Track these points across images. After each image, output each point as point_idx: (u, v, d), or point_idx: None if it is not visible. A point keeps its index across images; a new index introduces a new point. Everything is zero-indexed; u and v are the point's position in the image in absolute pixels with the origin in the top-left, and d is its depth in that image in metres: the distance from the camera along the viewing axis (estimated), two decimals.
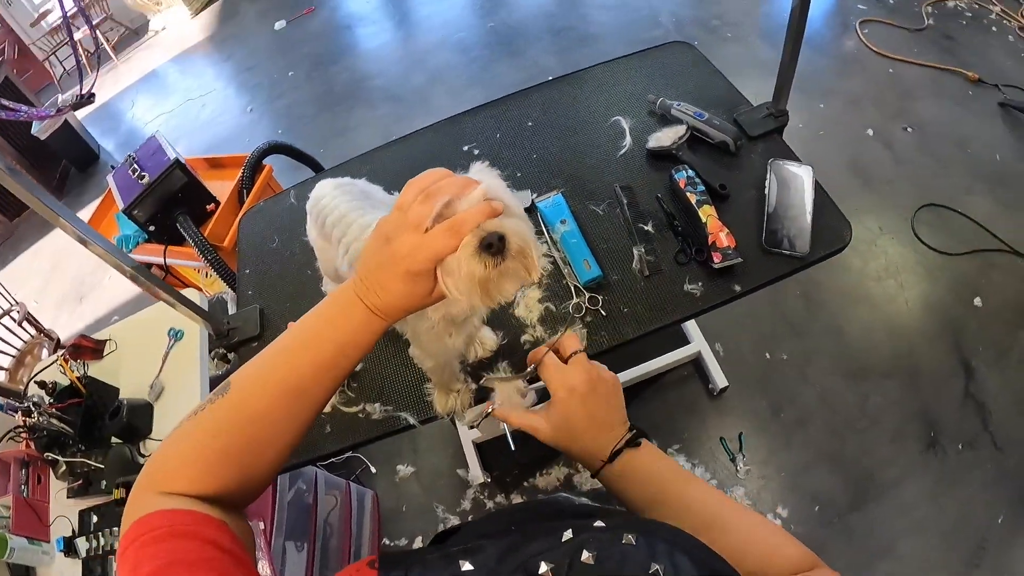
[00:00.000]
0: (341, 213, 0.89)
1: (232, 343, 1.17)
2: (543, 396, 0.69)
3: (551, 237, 1.17)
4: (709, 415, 2.20)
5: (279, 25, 5.12)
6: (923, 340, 2.24)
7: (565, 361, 0.67)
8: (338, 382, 0.60)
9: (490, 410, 0.71)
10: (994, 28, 3.34)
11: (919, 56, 3.22)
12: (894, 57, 3.24)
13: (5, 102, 0.66)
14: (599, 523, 0.47)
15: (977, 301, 2.30)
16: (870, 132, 2.91)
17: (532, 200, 1.24)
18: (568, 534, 0.46)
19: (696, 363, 2.28)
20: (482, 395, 1.00)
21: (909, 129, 2.89)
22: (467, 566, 0.45)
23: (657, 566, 0.41)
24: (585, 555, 0.42)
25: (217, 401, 0.56)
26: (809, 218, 1.08)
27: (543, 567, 0.43)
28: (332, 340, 0.58)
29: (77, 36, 5.35)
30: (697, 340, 2.20)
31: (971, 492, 1.92)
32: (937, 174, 2.70)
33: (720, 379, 2.18)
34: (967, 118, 2.90)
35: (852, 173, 2.76)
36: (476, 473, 2.15)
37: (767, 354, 2.29)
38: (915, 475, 1.97)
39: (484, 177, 0.60)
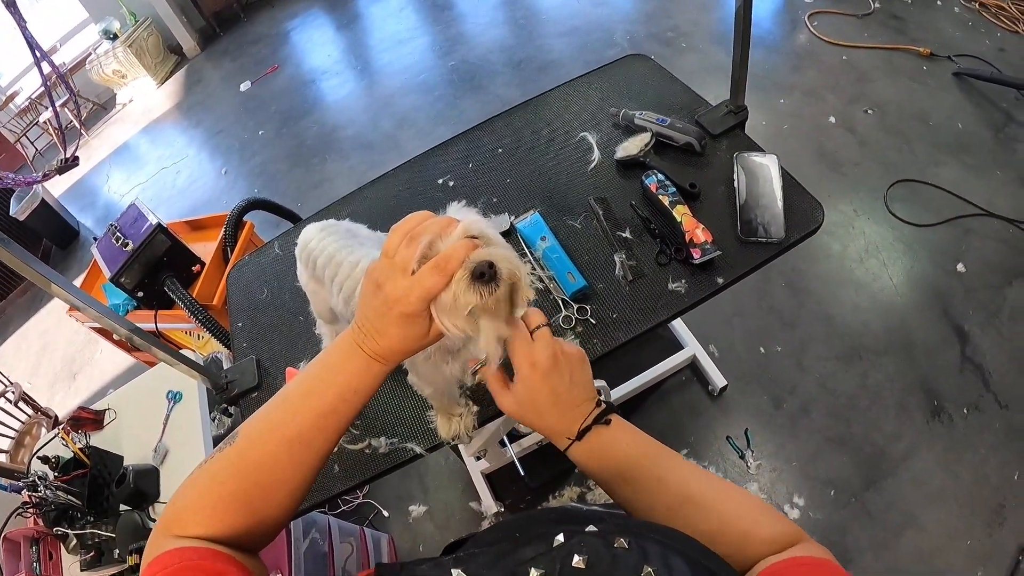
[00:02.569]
0: (330, 254, 0.91)
1: (232, 396, 1.17)
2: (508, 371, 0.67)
3: (533, 255, 1.19)
4: (713, 416, 2.20)
5: (244, 86, 5.18)
6: (913, 313, 2.28)
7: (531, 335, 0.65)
8: (342, 428, 0.61)
9: (477, 367, 0.69)
10: (939, 2, 3.47)
11: (870, 40, 3.32)
12: (846, 44, 3.34)
13: None
14: (591, 528, 0.47)
15: (960, 267, 2.34)
16: (832, 120, 2.98)
17: (511, 222, 1.26)
18: (559, 539, 0.46)
19: (693, 367, 2.30)
20: (484, 417, 1.02)
21: (870, 111, 2.97)
22: (458, 573, 0.45)
23: (650, 568, 0.41)
24: (576, 559, 0.42)
25: (225, 449, 0.58)
26: (780, 204, 1.11)
27: (533, 572, 0.43)
28: (334, 387, 0.59)
29: (46, 116, 5.39)
30: (691, 344, 2.22)
31: (983, 454, 1.93)
32: (903, 150, 2.77)
33: (719, 379, 2.19)
34: (924, 92, 3.00)
35: (820, 161, 2.83)
36: (488, 504, 2.14)
37: (761, 349, 2.31)
38: (925, 445, 1.98)
39: (463, 215, 0.61)
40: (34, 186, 4.15)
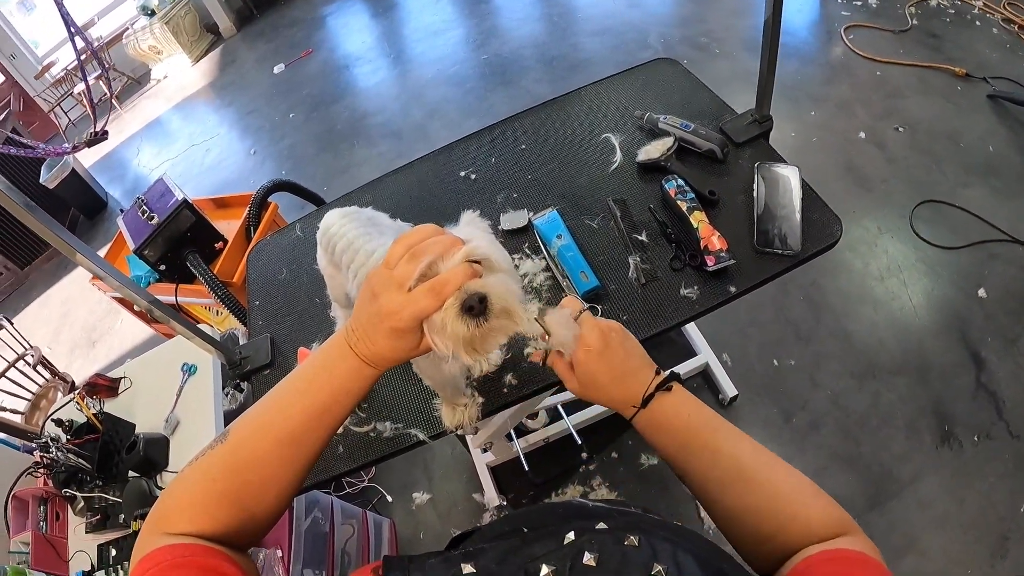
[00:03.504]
0: (349, 240, 0.92)
1: (245, 372, 1.20)
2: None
3: (548, 252, 1.20)
4: None
5: (278, 69, 5.24)
6: (930, 335, 2.25)
7: None
8: (333, 429, 0.62)
9: (543, 359, 0.73)
10: (978, 22, 3.41)
11: (906, 56, 3.27)
12: (881, 60, 3.29)
13: (24, 140, 0.70)
14: (601, 525, 0.47)
15: (981, 292, 2.30)
16: (862, 135, 2.94)
17: (529, 218, 1.27)
18: (570, 536, 0.46)
19: (705, 374, 2.28)
20: (489, 408, 1.03)
21: (900, 128, 2.93)
22: (468, 569, 0.45)
23: (660, 567, 0.41)
24: (587, 557, 0.43)
25: (217, 447, 0.59)
26: (798, 216, 1.11)
27: (544, 569, 0.43)
28: (326, 387, 0.60)
29: (80, 88, 5.48)
30: (704, 351, 2.21)
31: (991, 483, 1.90)
32: (931, 170, 2.72)
33: (730, 389, 2.18)
34: (957, 113, 2.94)
35: (847, 176, 2.79)
36: (492, 496, 2.14)
37: (775, 361, 2.29)
38: (932, 470, 1.95)
39: (472, 231, 0.62)
40: (64, 156, 4.23)
